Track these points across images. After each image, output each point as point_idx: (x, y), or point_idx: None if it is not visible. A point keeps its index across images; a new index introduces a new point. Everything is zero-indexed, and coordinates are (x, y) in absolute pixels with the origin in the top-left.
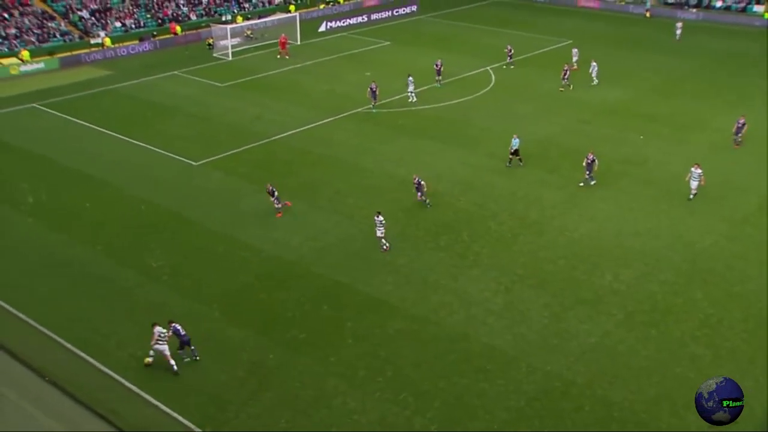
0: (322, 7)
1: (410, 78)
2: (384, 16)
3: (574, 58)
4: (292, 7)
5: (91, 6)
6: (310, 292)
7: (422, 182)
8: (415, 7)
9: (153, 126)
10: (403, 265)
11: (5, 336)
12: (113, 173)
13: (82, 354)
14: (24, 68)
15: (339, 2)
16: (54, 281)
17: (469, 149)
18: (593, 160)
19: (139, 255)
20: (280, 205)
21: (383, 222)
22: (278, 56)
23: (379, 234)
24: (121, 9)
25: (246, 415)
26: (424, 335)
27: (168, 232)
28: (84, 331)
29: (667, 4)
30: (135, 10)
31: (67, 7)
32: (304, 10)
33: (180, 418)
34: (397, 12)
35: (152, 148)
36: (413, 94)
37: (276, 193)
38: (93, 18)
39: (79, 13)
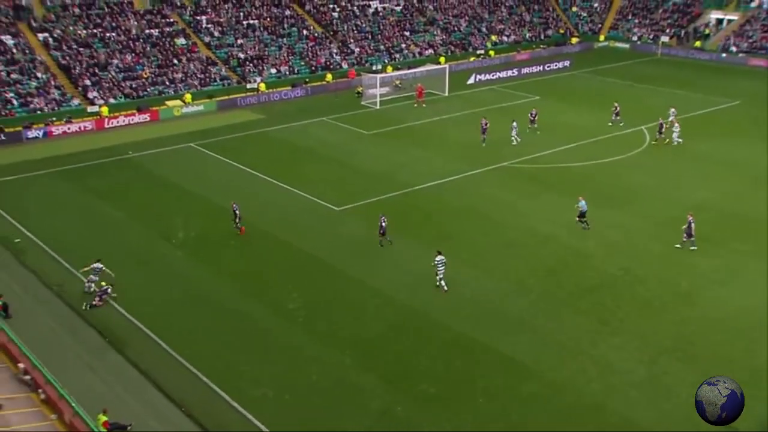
0: (472, 59)
1: (514, 123)
2: (535, 70)
3: (671, 118)
4: (442, 59)
5: (250, 53)
6: (443, 346)
7: (384, 224)
8: (569, 62)
9: (299, 170)
10: (541, 325)
11: (150, 365)
12: (258, 213)
13: (217, 389)
14: (185, 110)
15: (490, 55)
16: (196, 314)
17: (618, 210)
18: (690, 223)
19: (277, 295)
20: (237, 226)
21: (444, 262)
22: (415, 105)
23: (439, 274)
24: (277, 56)
25: None
26: (558, 402)
27: (306, 274)
28: (221, 366)
29: None
30: (290, 57)
31: (229, 54)
32: (454, 62)
33: None
34: (549, 67)
35: (297, 191)
36: (517, 138)
37: (238, 213)
38: (251, 64)
39: (239, 58)
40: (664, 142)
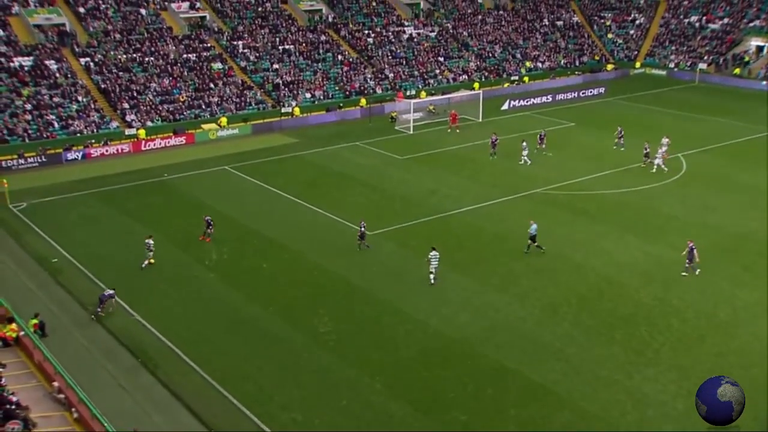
0: (506, 85)
1: (524, 143)
2: (570, 97)
3: (663, 148)
4: (476, 85)
5: (286, 78)
6: (474, 373)
7: (363, 229)
8: (603, 89)
9: (332, 193)
10: (574, 354)
11: (181, 386)
12: (291, 236)
13: (248, 412)
14: (221, 133)
15: (524, 81)
16: (228, 337)
17: (653, 239)
18: (692, 249)
19: (309, 318)
20: (207, 234)
21: (438, 257)
22: (448, 130)
23: (431, 269)
24: (312, 81)
25: None
26: None
27: (337, 298)
28: (251, 388)
29: None
30: (324, 82)
31: (265, 78)
32: (488, 88)
33: None
34: (583, 93)
35: (329, 215)
36: (526, 158)
37: (211, 225)
38: (286, 89)
39: (274, 83)
40: (650, 166)
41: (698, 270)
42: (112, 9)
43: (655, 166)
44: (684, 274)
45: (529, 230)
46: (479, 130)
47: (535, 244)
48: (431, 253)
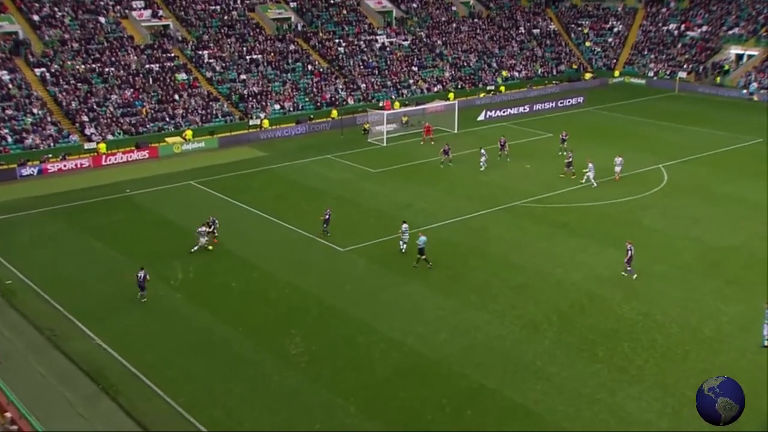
0: (482, 95)
1: (483, 150)
2: (548, 107)
3: (617, 168)
4: (451, 95)
5: (254, 89)
6: (453, 394)
7: (328, 216)
8: (582, 98)
9: (302, 208)
10: (555, 373)
11: (145, 412)
12: (260, 254)
13: None
14: (186, 147)
15: (500, 91)
16: (195, 359)
17: (635, 253)
18: (629, 249)
19: (280, 339)
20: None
21: (408, 230)
22: (422, 143)
23: (402, 241)
24: (281, 92)
25: None
26: None
27: (309, 317)
28: (220, 414)
29: None
30: (294, 93)
31: (232, 89)
32: (464, 98)
33: None
34: (561, 103)
35: (300, 231)
36: (485, 162)
37: (207, 231)
38: (254, 100)
39: (241, 94)
40: (571, 175)
41: (635, 275)
42: (69, 17)
43: (584, 178)
44: (624, 273)
45: (418, 242)
46: (455, 141)
47: (423, 257)
48: (403, 226)
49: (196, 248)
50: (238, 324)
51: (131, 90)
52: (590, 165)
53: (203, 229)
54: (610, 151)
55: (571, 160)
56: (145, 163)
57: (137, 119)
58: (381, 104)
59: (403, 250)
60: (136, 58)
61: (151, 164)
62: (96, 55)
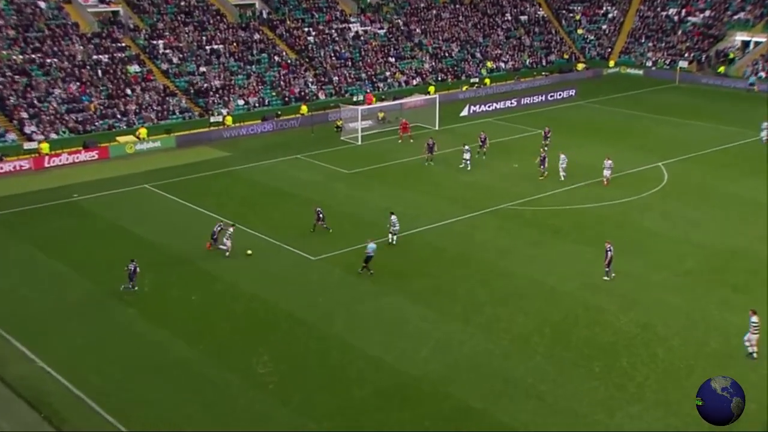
0: (465, 89)
1: (466, 147)
2: (537, 100)
3: (606, 172)
4: (431, 89)
5: (215, 82)
6: (436, 416)
7: (321, 213)
8: (573, 91)
9: (270, 214)
10: (547, 391)
11: None
12: (224, 264)
13: None
14: (140, 146)
15: (485, 84)
16: (151, 382)
17: (634, 258)
18: (608, 250)
19: (246, 358)
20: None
21: (397, 221)
22: (399, 141)
23: (391, 232)
24: (245, 86)
25: None
26: None
27: (279, 333)
28: None
29: None
30: (260, 87)
31: (190, 83)
32: (445, 92)
33: None
34: (552, 97)
35: (268, 238)
36: (468, 162)
37: (215, 237)
38: (215, 95)
39: (201, 88)
40: (544, 174)
41: (613, 275)
42: (3, 1)
43: (561, 175)
44: (606, 278)
45: (367, 249)
46: (436, 138)
47: (365, 265)
48: (392, 218)
49: (228, 253)
50: (199, 342)
51: (77, 83)
52: (562, 156)
53: (231, 230)
54: (604, 150)
55: (544, 156)
56: (94, 165)
57: (84, 116)
58: (360, 99)
59: (392, 242)
60: (81, 47)
61: (101, 166)
62: (36, 44)
